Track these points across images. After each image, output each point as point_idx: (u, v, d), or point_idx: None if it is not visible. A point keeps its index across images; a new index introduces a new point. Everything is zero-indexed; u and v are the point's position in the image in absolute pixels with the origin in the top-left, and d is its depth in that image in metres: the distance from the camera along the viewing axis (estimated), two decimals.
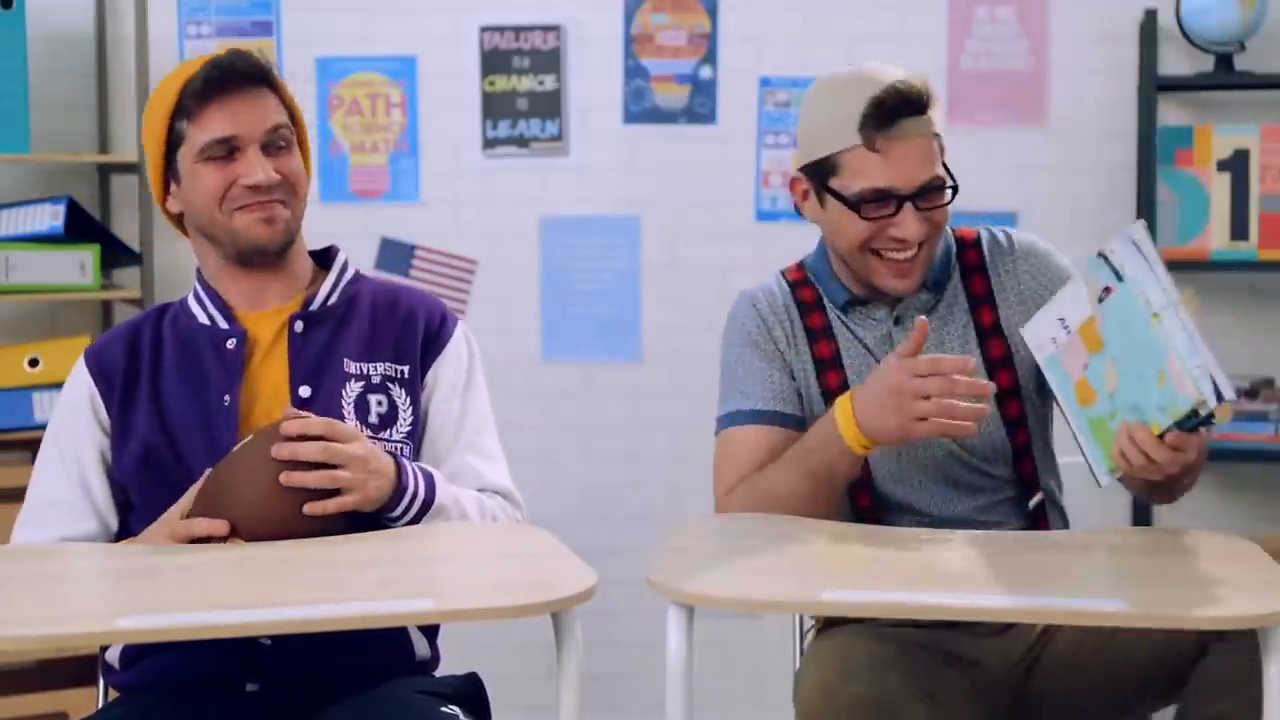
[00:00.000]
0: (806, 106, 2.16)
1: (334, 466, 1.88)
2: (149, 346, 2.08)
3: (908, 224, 2.08)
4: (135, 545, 1.95)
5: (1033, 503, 2.18)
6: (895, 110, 2.05)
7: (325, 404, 2.01)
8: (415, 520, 1.96)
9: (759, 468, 2.11)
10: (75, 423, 2.06)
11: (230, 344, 2.05)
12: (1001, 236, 2.24)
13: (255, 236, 2.03)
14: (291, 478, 1.86)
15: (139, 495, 2.03)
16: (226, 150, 2.01)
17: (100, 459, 2.05)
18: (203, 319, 2.08)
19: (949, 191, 2.11)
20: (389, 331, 2.10)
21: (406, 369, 2.08)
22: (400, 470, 1.95)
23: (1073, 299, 1.95)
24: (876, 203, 2.08)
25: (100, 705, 2.04)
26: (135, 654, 1.98)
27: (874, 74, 2.09)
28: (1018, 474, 2.18)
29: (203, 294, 2.10)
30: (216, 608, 1.57)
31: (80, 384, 2.07)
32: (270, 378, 2.04)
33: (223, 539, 1.86)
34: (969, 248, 2.23)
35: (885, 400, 1.95)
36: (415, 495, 1.96)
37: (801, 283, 2.24)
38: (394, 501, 1.94)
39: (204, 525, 1.87)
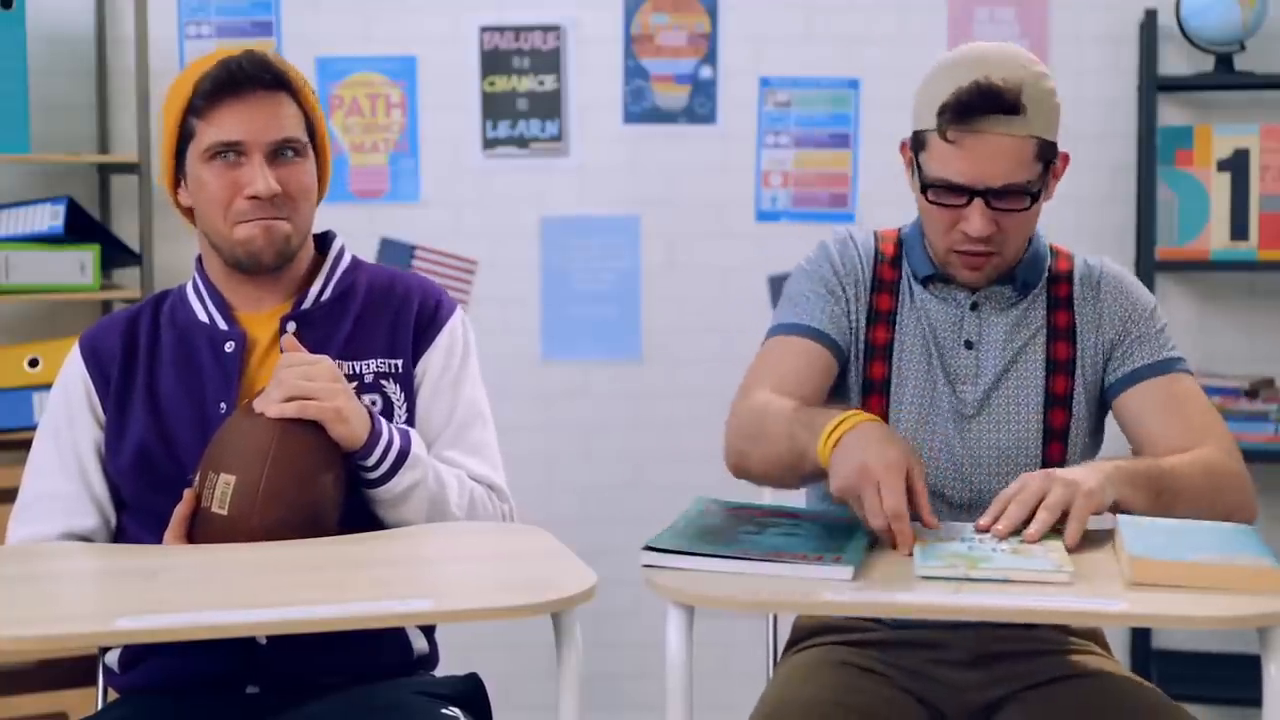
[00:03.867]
0: (924, 78, 2.10)
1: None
2: (146, 339, 2.07)
3: (973, 220, 2.02)
4: (144, 547, 1.94)
5: None
6: (973, 106, 1.98)
7: None
8: (392, 473, 1.94)
9: (784, 376, 2.09)
10: (71, 415, 2.05)
11: (229, 346, 2.04)
12: (1093, 264, 2.18)
13: (253, 249, 2.01)
14: (263, 403, 1.88)
15: (132, 495, 2.02)
16: (232, 154, 1.99)
17: (97, 452, 2.04)
18: (201, 316, 2.07)
19: (1027, 198, 2.03)
20: (380, 325, 2.08)
21: (400, 362, 2.06)
22: (373, 416, 1.95)
23: None
24: (945, 191, 2.04)
25: (100, 706, 2.03)
26: (134, 657, 1.98)
27: (976, 60, 2.02)
28: None
29: (202, 288, 2.09)
30: (216, 608, 1.57)
31: (75, 375, 2.06)
32: (266, 381, 2.01)
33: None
34: (1062, 280, 2.17)
35: (856, 468, 1.82)
36: (390, 442, 1.94)
37: (890, 241, 2.21)
38: (369, 446, 1.92)
39: None
